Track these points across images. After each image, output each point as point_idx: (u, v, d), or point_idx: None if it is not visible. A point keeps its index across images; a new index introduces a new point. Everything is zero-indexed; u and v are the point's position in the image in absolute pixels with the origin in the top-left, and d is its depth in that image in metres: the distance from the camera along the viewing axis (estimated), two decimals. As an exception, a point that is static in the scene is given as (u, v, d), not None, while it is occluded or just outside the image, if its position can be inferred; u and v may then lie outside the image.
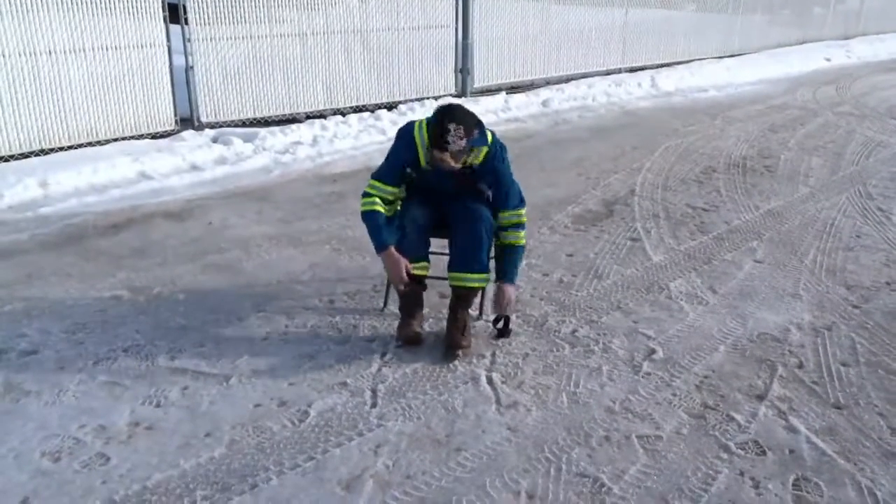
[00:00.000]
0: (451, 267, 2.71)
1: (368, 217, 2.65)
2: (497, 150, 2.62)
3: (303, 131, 5.73)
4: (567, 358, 2.70)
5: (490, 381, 2.57)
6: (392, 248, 2.62)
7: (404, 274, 2.61)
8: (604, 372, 2.61)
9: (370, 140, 5.72)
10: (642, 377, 2.57)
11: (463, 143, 2.45)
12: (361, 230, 2.91)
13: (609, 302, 3.14)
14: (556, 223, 4.06)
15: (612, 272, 3.44)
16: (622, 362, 2.67)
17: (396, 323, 2.81)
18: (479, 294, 2.98)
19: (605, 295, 3.21)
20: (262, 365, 2.65)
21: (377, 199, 2.65)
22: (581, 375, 2.59)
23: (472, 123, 2.49)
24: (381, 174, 2.67)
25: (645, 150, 5.57)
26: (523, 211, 2.67)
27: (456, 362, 2.66)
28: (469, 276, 2.72)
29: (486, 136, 2.58)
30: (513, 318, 2.91)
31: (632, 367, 2.64)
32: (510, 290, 2.66)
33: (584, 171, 5.03)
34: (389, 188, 2.66)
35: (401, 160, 2.63)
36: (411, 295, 2.77)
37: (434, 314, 2.94)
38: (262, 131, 5.59)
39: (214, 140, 5.45)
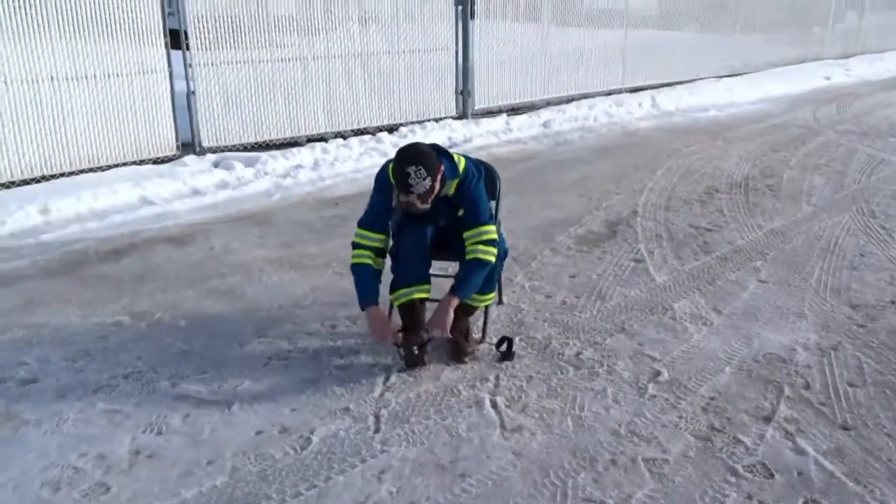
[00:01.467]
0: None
1: (355, 270, 2.68)
2: (468, 177, 2.62)
3: (304, 155, 5.76)
4: (571, 381, 2.70)
5: (494, 404, 2.56)
6: (377, 307, 2.65)
7: (387, 334, 2.65)
8: (609, 395, 2.60)
9: (371, 163, 5.74)
10: (648, 399, 2.56)
11: (427, 182, 2.45)
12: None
13: (613, 323, 3.14)
14: (558, 245, 4.07)
15: (615, 293, 3.44)
16: (627, 385, 2.66)
17: (398, 349, 2.80)
18: (483, 316, 3.03)
19: (608, 316, 3.21)
20: (263, 391, 2.65)
21: (365, 252, 2.67)
22: (586, 398, 2.58)
23: (433, 161, 2.48)
24: (366, 222, 2.68)
25: (647, 170, 5.57)
26: (493, 228, 2.66)
27: (460, 387, 2.67)
28: (477, 297, 2.81)
29: (456, 166, 2.59)
30: (516, 340, 2.94)
31: (637, 389, 2.63)
32: (452, 303, 2.61)
33: (586, 192, 5.04)
34: (376, 236, 2.68)
35: (382, 206, 2.64)
36: (412, 311, 2.78)
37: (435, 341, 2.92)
38: (264, 155, 5.62)
39: (216, 164, 5.48)
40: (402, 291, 2.81)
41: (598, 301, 3.37)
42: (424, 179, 2.45)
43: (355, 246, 2.70)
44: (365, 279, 2.67)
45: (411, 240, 2.72)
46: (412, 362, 2.75)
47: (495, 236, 2.67)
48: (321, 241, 4.18)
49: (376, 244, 2.69)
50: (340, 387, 2.68)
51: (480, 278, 2.68)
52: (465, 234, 2.66)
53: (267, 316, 3.22)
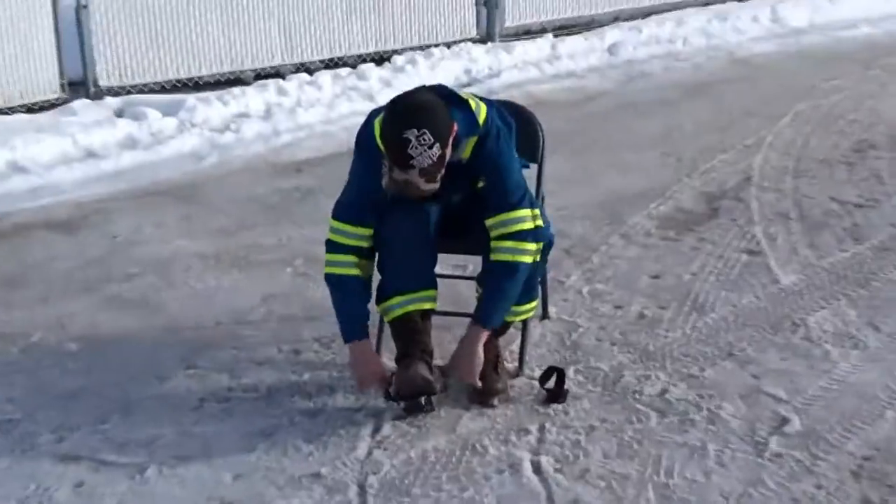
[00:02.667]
0: None
1: (334, 285, 2.77)
2: (491, 133, 2.64)
3: (251, 98, 5.76)
4: (654, 432, 2.71)
5: (538, 468, 2.56)
6: (365, 343, 2.77)
7: (376, 382, 2.76)
8: (710, 453, 2.60)
9: (351, 109, 5.72)
10: (769, 460, 2.56)
11: (434, 152, 2.46)
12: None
13: (716, 347, 3.16)
14: (631, 229, 4.10)
15: (718, 302, 3.46)
16: (738, 438, 2.67)
17: (392, 375, 2.84)
18: (520, 336, 3.04)
19: (709, 336, 3.23)
20: (193, 448, 2.65)
21: (347, 258, 2.74)
22: (676, 459, 2.58)
23: (443, 119, 2.50)
24: (344, 210, 2.75)
25: (765, 116, 5.57)
26: (528, 212, 2.70)
27: (486, 442, 2.67)
28: (515, 308, 2.83)
29: (473, 116, 2.61)
30: (570, 372, 2.96)
31: (753, 445, 2.64)
32: (479, 340, 2.71)
33: (672, 150, 5.06)
34: (360, 230, 2.73)
35: (367, 183, 2.67)
36: (411, 329, 2.82)
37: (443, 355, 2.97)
38: (191, 99, 5.61)
39: (119, 113, 5.48)
40: (395, 301, 2.84)
41: (692, 313, 3.39)
42: (431, 148, 2.45)
43: (331, 247, 2.76)
44: (349, 300, 2.75)
45: (408, 224, 2.76)
46: (414, 407, 2.79)
47: (532, 224, 2.71)
48: (277, 226, 4.18)
49: (362, 243, 2.74)
50: (308, 442, 2.68)
51: (513, 292, 2.73)
52: (488, 223, 2.70)
53: (197, 337, 3.25)
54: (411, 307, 2.83)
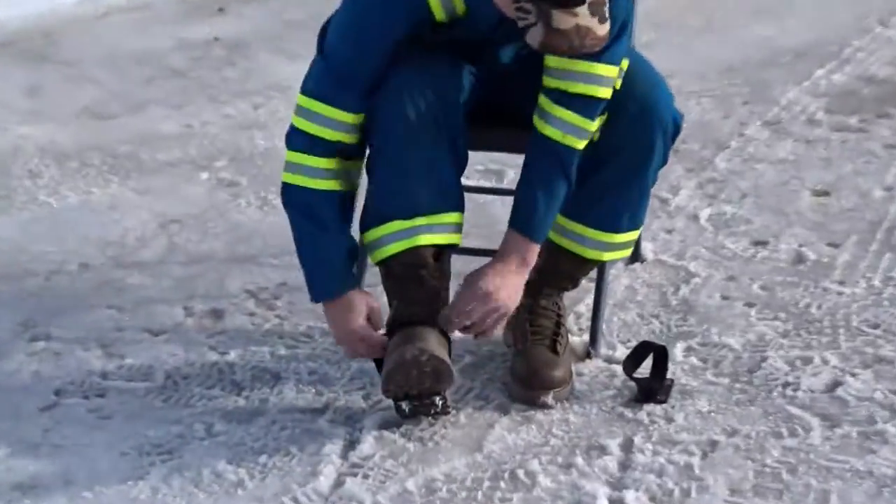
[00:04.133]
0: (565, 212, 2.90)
1: (299, 207, 2.85)
2: None
3: None
4: (818, 453, 2.70)
5: (619, 507, 2.56)
6: (349, 299, 2.85)
7: (370, 347, 2.84)
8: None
9: None
10: None
11: None
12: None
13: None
14: (784, 112, 4.17)
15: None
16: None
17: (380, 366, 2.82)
18: (595, 294, 3.08)
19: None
20: (40, 475, 2.67)
21: (324, 164, 2.81)
22: (853, 497, 2.56)
23: None
24: (329, 82, 2.81)
25: None
26: (614, 71, 2.78)
27: (534, 466, 2.67)
28: (607, 237, 2.93)
29: None
30: (675, 353, 2.98)
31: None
32: (515, 259, 2.81)
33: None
34: (349, 118, 2.81)
35: (387, 33, 2.76)
36: (417, 276, 2.85)
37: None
38: None
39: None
40: (393, 228, 2.85)
41: (885, 255, 3.45)
42: None
43: (299, 143, 2.83)
44: (324, 233, 2.83)
45: (425, 98, 2.79)
46: (419, 409, 2.81)
47: (608, 91, 2.78)
48: (184, 105, 4.24)
49: (348, 137, 2.83)
50: (236, 463, 2.68)
51: (561, 191, 2.81)
52: (546, 79, 2.78)
53: (49, 289, 3.33)
54: (422, 239, 2.82)
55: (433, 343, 2.76)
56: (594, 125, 2.80)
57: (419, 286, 2.85)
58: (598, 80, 2.76)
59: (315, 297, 2.87)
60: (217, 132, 4.04)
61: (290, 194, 2.85)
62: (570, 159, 2.81)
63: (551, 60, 2.75)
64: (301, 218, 2.84)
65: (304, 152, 2.82)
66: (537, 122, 2.81)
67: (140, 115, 4.20)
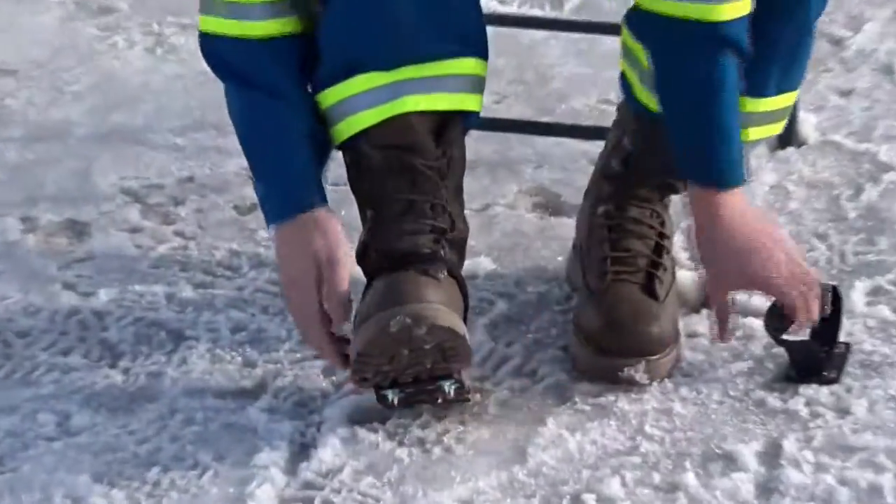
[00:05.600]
0: None
1: (228, 62, 2.35)
2: None
3: None
4: None
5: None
6: (318, 217, 2.31)
7: (340, 309, 2.25)
8: None
9: None
10: None
11: None
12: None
13: None
14: None
15: None
16: None
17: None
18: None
19: None
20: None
21: None
22: None
23: None
24: None
25: None
26: None
27: (612, 489, 2.21)
28: (750, 103, 2.41)
29: None
30: (853, 302, 2.50)
31: None
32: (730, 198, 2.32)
33: None
34: None
35: None
36: (401, 164, 2.34)
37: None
38: None
39: None
40: (365, 85, 2.31)
41: None
42: None
43: None
44: (273, 98, 2.32)
45: None
46: (417, 394, 2.30)
47: None
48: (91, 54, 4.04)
49: None
50: (106, 480, 2.19)
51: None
52: None
53: None
54: (409, 103, 2.24)
55: (435, 298, 2.19)
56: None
57: (411, 186, 2.23)
58: None
59: (273, 215, 2.26)
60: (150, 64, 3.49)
61: (216, 51, 2.27)
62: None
63: None
64: (238, 87, 2.27)
65: None
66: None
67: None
